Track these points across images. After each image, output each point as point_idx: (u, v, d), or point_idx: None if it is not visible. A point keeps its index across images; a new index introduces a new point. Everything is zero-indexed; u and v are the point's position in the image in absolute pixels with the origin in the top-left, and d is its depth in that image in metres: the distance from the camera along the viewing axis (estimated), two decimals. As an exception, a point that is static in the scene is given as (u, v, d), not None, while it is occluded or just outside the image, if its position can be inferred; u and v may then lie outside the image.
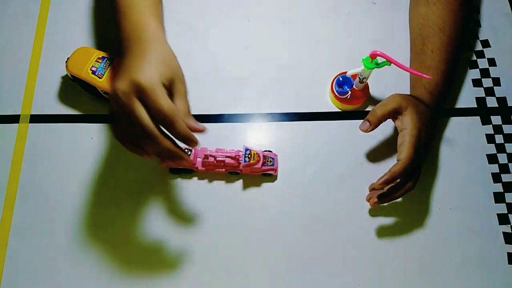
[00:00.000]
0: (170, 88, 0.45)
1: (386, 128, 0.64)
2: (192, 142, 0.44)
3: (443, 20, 0.59)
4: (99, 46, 0.63)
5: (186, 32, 0.66)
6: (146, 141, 0.43)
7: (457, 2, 0.60)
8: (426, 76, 0.53)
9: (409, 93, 0.63)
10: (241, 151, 0.58)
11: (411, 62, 0.63)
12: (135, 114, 0.41)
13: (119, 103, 0.42)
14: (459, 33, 0.61)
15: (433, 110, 0.57)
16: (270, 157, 0.60)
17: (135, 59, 0.45)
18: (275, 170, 0.60)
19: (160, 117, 0.42)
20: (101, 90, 0.61)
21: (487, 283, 0.57)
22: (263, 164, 0.58)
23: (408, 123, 0.54)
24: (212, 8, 0.72)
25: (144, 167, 0.63)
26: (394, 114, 0.55)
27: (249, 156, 0.57)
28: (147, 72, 0.42)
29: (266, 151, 0.61)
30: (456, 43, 0.60)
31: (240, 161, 0.58)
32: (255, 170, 0.59)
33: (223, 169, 0.59)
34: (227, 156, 0.58)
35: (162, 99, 0.42)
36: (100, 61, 0.61)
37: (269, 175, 0.61)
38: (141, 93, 0.42)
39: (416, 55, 0.61)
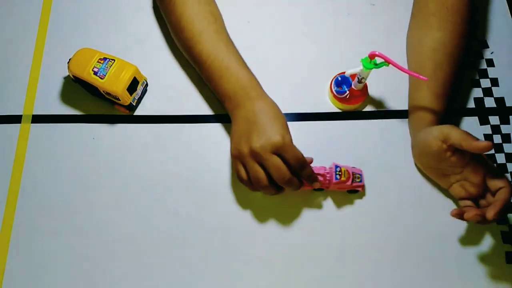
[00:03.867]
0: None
1: (386, 128, 0.64)
2: (315, 180, 0.55)
3: (457, 50, 0.60)
4: (101, 47, 0.63)
5: (186, 33, 0.66)
6: (284, 184, 0.53)
7: (467, 32, 0.61)
8: (424, 78, 0.53)
9: (407, 95, 0.64)
10: (327, 168, 0.58)
11: (412, 82, 0.63)
12: (279, 166, 0.52)
13: (258, 158, 0.52)
14: (463, 59, 0.62)
15: None
16: (358, 174, 0.59)
17: (261, 118, 0.54)
18: (363, 187, 0.59)
19: (296, 165, 0.53)
20: (103, 91, 0.62)
21: (485, 282, 0.57)
22: (352, 181, 0.58)
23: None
24: (213, 10, 0.72)
25: (143, 169, 0.63)
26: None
27: (340, 173, 0.57)
28: (282, 133, 0.52)
29: (352, 167, 0.60)
30: (458, 71, 0.62)
31: (328, 179, 0.57)
32: (342, 187, 0.58)
33: (310, 187, 0.57)
34: (317, 174, 0.56)
35: (297, 151, 0.53)
36: (101, 61, 0.61)
37: (355, 192, 0.60)
38: (280, 150, 0.52)
39: (416, 85, 0.62)
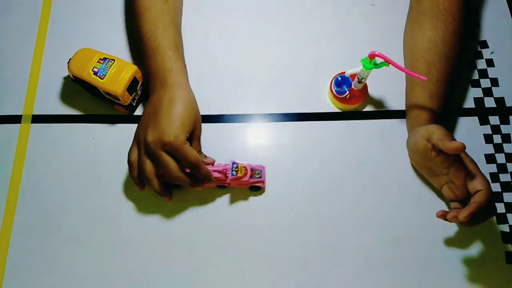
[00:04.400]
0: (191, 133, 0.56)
1: (386, 128, 0.64)
2: (210, 180, 0.56)
3: (449, 49, 0.60)
4: (101, 47, 0.63)
5: (186, 33, 0.66)
6: (173, 181, 0.55)
7: (461, 31, 0.61)
8: (423, 77, 0.53)
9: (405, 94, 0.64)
10: (225, 165, 0.58)
11: (408, 81, 0.63)
12: (165, 164, 0.53)
13: (148, 151, 0.54)
14: (459, 63, 0.62)
15: None
16: (258, 170, 0.59)
17: (164, 110, 0.55)
18: (263, 182, 0.60)
19: (188, 165, 0.54)
20: (103, 91, 0.62)
21: (485, 282, 0.57)
22: (250, 177, 0.58)
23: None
24: (213, 9, 0.72)
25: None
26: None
27: (236, 169, 0.57)
28: (175, 133, 0.53)
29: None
30: (456, 72, 0.61)
31: (228, 175, 0.58)
32: (243, 183, 0.59)
33: (211, 184, 0.58)
34: (214, 170, 0.57)
35: (188, 153, 0.53)
36: (101, 62, 0.61)
37: (257, 189, 0.61)
38: (170, 149, 0.53)
39: (412, 83, 0.62)
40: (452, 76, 0.60)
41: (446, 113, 0.61)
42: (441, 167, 0.56)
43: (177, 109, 0.55)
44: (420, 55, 0.61)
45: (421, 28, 0.62)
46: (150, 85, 0.60)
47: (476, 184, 0.53)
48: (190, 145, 0.55)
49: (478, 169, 0.55)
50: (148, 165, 0.54)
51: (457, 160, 0.54)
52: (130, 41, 0.70)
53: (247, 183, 0.59)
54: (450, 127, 0.64)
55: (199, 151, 0.59)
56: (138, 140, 0.56)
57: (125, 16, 0.72)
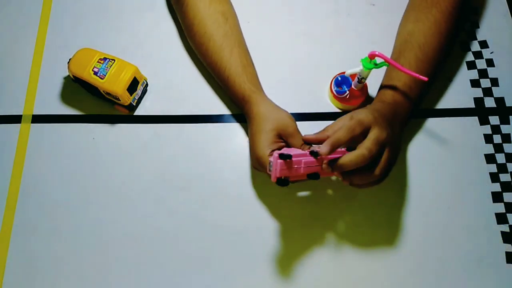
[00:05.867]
0: (286, 140, 0.55)
1: (385, 128, 0.64)
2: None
3: (425, 38, 0.59)
4: (101, 47, 0.63)
5: (186, 33, 0.67)
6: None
7: (445, 24, 0.60)
8: (423, 77, 0.53)
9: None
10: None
11: (385, 74, 0.62)
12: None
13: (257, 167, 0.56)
14: (439, 54, 0.60)
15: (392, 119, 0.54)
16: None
17: (249, 135, 0.57)
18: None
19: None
20: (103, 91, 0.62)
21: (485, 282, 0.57)
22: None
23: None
24: (213, 10, 0.72)
25: (143, 169, 0.63)
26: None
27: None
28: (257, 154, 0.54)
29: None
30: (433, 63, 0.59)
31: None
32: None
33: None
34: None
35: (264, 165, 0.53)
36: (102, 62, 0.61)
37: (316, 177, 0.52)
38: (262, 165, 0.53)
39: (389, 69, 0.61)
40: (424, 64, 0.58)
41: (445, 113, 0.61)
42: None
43: (253, 131, 0.56)
44: (397, 47, 0.61)
45: (405, 22, 0.63)
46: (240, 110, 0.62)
47: (336, 125, 0.50)
48: (287, 145, 0.55)
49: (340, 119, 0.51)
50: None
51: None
52: (130, 41, 0.70)
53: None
54: (449, 127, 0.65)
55: (303, 144, 0.54)
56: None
57: (126, 16, 0.72)
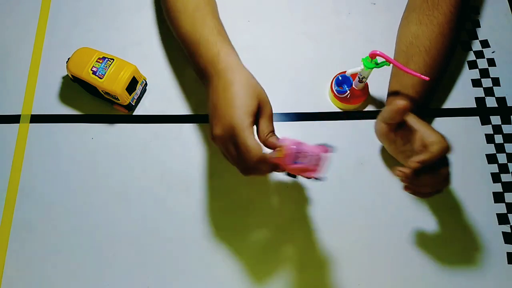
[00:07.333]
0: (257, 112, 0.49)
1: (385, 128, 0.64)
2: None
3: (430, 41, 0.59)
4: (100, 46, 0.63)
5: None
6: (253, 172, 0.49)
7: (448, 26, 0.60)
8: (425, 77, 0.53)
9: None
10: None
11: (391, 75, 0.62)
12: (233, 159, 0.48)
13: (220, 146, 0.49)
14: (444, 56, 0.60)
15: None
16: (307, 153, 0.48)
17: (221, 99, 0.49)
18: (307, 170, 0.48)
19: (246, 157, 0.46)
20: (102, 90, 0.62)
21: (486, 283, 0.57)
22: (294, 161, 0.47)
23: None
24: (212, 9, 0.72)
25: (142, 169, 0.63)
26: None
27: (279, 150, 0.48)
28: (236, 114, 0.46)
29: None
30: (439, 67, 0.60)
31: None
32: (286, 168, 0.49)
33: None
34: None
35: (248, 141, 0.46)
36: (100, 61, 0.61)
37: (293, 176, 0.54)
38: (233, 136, 0.46)
39: (397, 71, 0.61)
40: (432, 69, 0.59)
41: (446, 112, 0.61)
42: (405, 145, 0.54)
43: (233, 93, 0.48)
44: (402, 50, 0.61)
45: (408, 24, 0.62)
46: (204, 80, 0.54)
47: (430, 138, 0.51)
48: (258, 126, 0.49)
49: (431, 127, 0.53)
50: (226, 155, 0.49)
51: (410, 129, 0.53)
52: (129, 41, 0.70)
53: (288, 168, 0.48)
54: (450, 127, 0.64)
55: (272, 131, 0.50)
56: (212, 139, 0.50)
57: (125, 15, 0.72)
